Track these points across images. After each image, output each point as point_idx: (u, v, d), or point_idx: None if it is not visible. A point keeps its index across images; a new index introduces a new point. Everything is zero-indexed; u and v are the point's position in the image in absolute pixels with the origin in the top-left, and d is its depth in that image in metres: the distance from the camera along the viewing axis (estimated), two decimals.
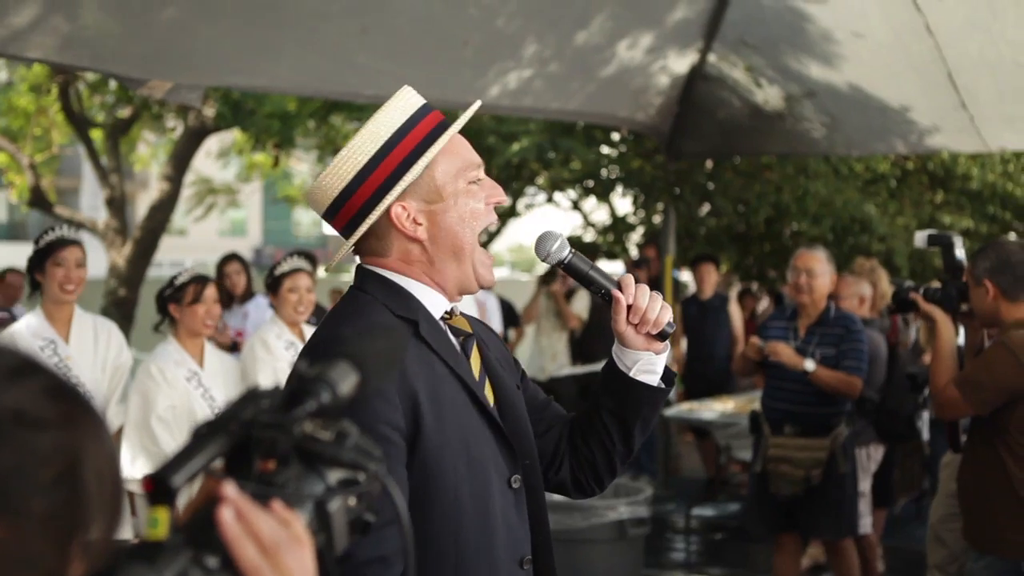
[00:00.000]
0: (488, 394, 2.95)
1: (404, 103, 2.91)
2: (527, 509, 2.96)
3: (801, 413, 7.89)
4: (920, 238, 6.52)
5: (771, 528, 8.26)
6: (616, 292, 2.95)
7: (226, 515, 1.25)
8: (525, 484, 2.95)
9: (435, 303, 2.91)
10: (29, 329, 6.53)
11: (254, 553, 1.24)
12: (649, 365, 3.03)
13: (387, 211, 2.84)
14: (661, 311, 2.94)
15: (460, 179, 2.89)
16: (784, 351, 7.75)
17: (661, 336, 2.99)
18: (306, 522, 1.31)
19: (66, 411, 1.20)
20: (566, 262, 3.01)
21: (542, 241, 3.03)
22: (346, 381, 1.43)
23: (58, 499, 1.16)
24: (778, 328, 8.14)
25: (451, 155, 2.90)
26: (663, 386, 3.06)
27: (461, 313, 3.05)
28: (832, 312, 7.99)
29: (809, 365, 7.68)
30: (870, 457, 8.68)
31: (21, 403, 1.16)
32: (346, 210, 2.89)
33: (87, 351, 6.63)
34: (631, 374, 3.02)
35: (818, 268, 7.99)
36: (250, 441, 1.33)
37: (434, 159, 2.85)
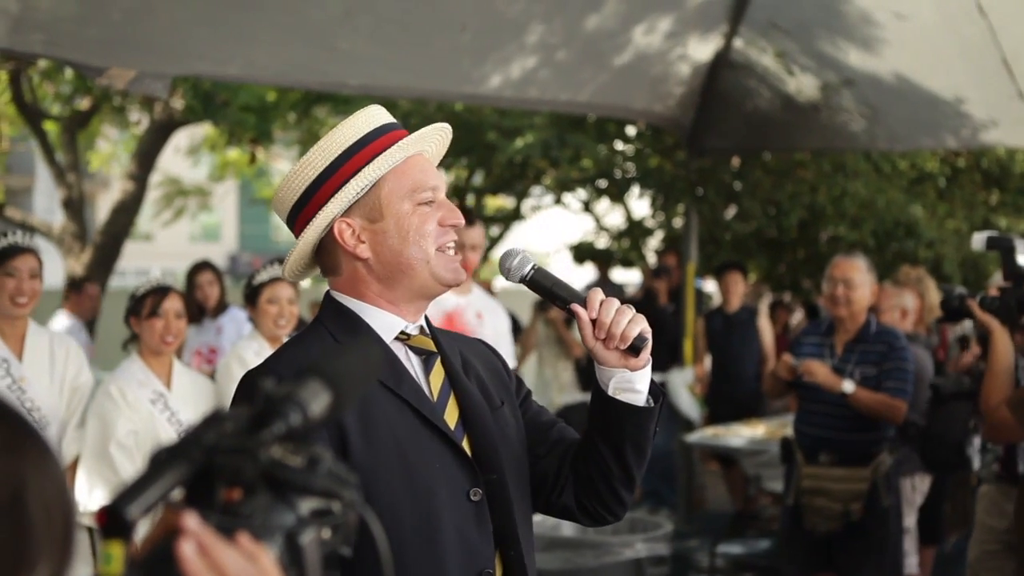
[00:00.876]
0: (452, 410, 3.13)
1: (365, 120, 3.16)
2: (493, 524, 3.09)
3: (838, 440, 7.84)
4: (978, 240, 6.45)
5: (805, 568, 8.19)
6: (575, 307, 3.07)
7: (187, 549, 1.25)
8: (490, 499, 3.08)
9: (387, 325, 3.13)
10: None
11: None
12: (626, 383, 3.10)
13: (331, 227, 3.10)
14: (629, 324, 3.01)
15: (407, 200, 3.09)
16: (820, 370, 7.71)
17: (633, 351, 3.03)
18: (275, 557, 1.31)
19: (9, 437, 1.21)
20: (528, 278, 3.15)
21: (503, 259, 3.19)
22: (317, 400, 1.44)
23: (1, 532, 1.17)
24: (812, 344, 8.10)
25: (401, 175, 3.10)
26: (647, 405, 3.12)
27: (437, 332, 3.27)
28: (873, 327, 7.93)
29: (847, 386, 7.62)
30: (915, 489, 8.67)
31: None
32: (299, 222, 3.16)
33: (43, 371, 6.60)
34: (609, 393, 3.11)
35: (857, 278, 7.91)
36: (213, 468, 1.34)
37: (383, 178, 3.09)
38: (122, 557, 1.23)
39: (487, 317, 7.70)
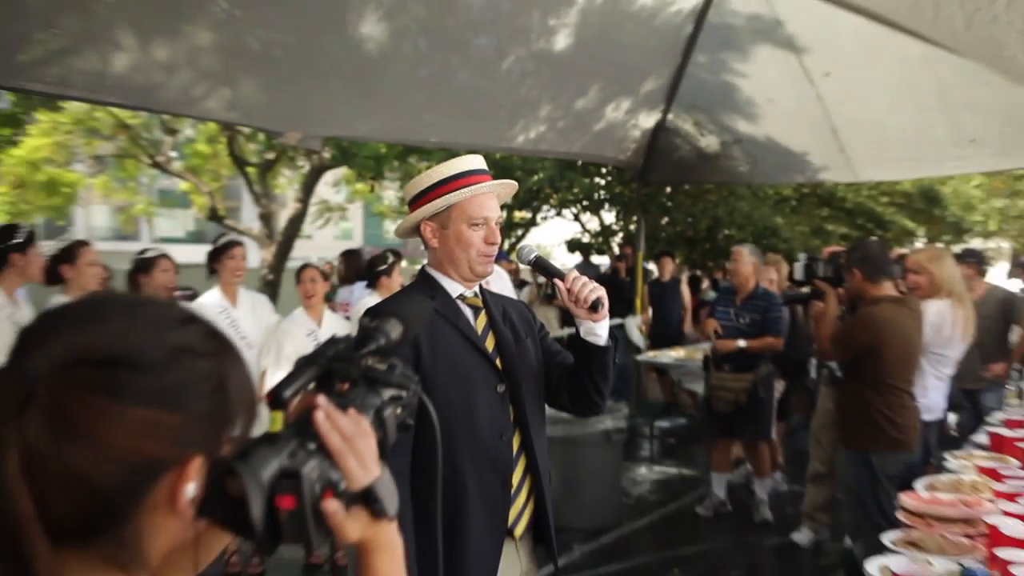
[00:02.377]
0: (490, 341, 3.17)
1: (465, 162, 3.13)
2: (512, 411, 3.14)
3: (736, 357, 7.97)
4: (800, 266, 6.53)
5: (713, 433, 8.34)
6: (557, 281, 3.09)
7: (320, 416, 1.29)
8: (511, 393, 3.13)
9: (452, 288, 3.18)
10: (211, 300, 6.64)
11: (338, 440, 1.29)
12: (591, 329, 3.11)
13: (420, 223, 3.16)
14: (589, 292, 3.01)
15: (465, 221, 3.09)
16: (724, 346, 7.96)
17: (593, 309, 3.03)
18: (369, 422, 1.34)
19: (218, 347, 1.23)
20: (532, 261, 3.21)
21: (519, 251, 3.25)
22: (395, 331, 1.49)
23: (214, 403, 1.19)
24: (724, 301, 8.26)
25: (468, 204, 3.10)
26: (606, 344, 3.13)
27: (487, 295, 3.32)
28: (759, 290, 8.03)
29: (741, 343, 7.87)
30: (776, 388, 8.71)
31: (189, 340, 1.20)
32: (411, 209, 3.19)
33: (248, 315, 6.72)
34: (581, 336, 3.13)
35: (739, 259, 8.08)
36: (332, 370, 1.38)
37: (457, 204, 3.08)
38: (281, 420, 1.27)
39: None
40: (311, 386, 1.36)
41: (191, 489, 1.15)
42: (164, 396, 1.14)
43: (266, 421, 1.29)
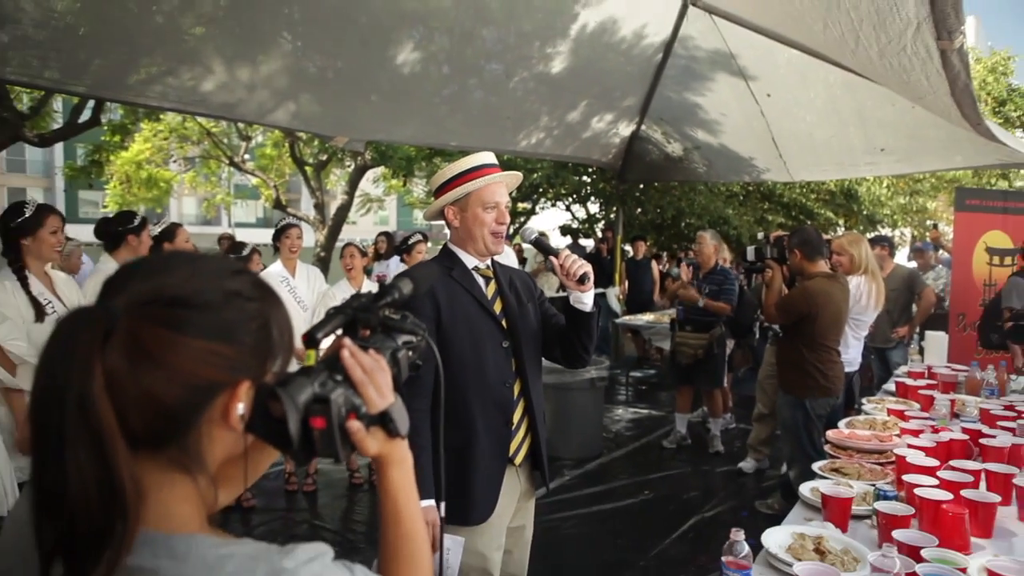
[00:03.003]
0: (498, 305, 3.09)
1: (479, 157, 3.07)
2: (514, 363, 3.07)
3: (696, 320, 7.89)
4: (751, 251, 6.47)
5: (677, 382, 8.25)
6: (552, 258, 3.02)
7: (345, 353, 1.28)
8: (513, 348, 3.06)
9: (469, 261, 3.09)
10: (274, 270, 6.57)
11: (360, 373, 1.28)
12: (579, 298, 3.04)
13: (444, 207, 3.07)
14: (578, 268, 2.95)
15: (479, 206, 3.01)
16: (689, 294, 7.85)
17: (580, 282, 2.98)
18: (386, 361, 1.33)
19: (263, 294, 1.22)
20: (533, 241, 3.11)
21: (522, 232, 3.15)
22: (407, 287, 1.48)
23: (260, 338, 1.19)
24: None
25: (483, 191, 3.01)
26: (591, 311, 3.09)
27: (497, 267, 3.21)
28: (719, 266, 7.96)
29: (701, 302, 7.78)
30: (727, 345, 8.69)
31: (240, 287, 1.19)
32: (436, 196, 3.10)
33: (304, 283, 6.65)
34: (571, 303, 3.07)
35: (702, 242, 7.98)
36: (356, 319, 1.37)
37: (474, 191, 3.00)
38: (314, 357, 1.27)
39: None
40: (339, 331, 1.35)
41: (241, 408, 1.16)
42: (220, 331, 1.14)
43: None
